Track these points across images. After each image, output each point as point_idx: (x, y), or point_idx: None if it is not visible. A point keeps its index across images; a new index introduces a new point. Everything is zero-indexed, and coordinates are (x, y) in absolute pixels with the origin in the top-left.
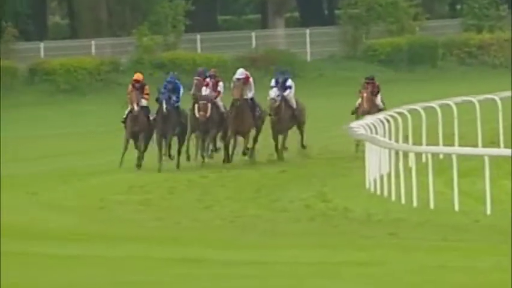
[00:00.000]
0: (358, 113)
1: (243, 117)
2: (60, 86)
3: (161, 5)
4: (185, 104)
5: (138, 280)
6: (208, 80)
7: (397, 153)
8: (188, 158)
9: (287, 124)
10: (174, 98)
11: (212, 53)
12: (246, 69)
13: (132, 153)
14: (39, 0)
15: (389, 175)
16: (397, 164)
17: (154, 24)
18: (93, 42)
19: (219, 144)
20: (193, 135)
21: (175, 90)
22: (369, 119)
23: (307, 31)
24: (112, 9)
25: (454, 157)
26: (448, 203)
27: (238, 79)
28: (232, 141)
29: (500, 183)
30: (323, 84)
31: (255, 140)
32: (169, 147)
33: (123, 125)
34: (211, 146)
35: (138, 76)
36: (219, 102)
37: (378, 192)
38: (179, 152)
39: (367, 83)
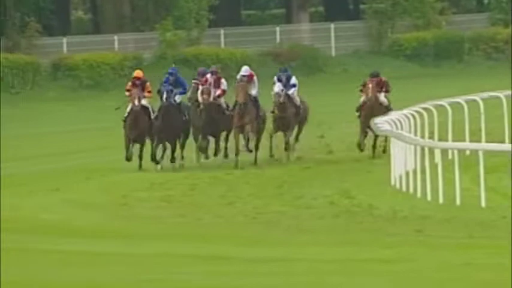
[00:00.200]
0: (362, 111)
1: (245, 115)
2: (83, 82)
3: None
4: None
5: (160, 278)
6: (208, 76)
7: (422, 149)
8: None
9: (291, 122)
10: (177, 91)
11: (236, 48)
12: (269, 65)
13: (149, 149)
14: None
15: (415, 171)
16: (423, 160)
17: (177, 19)
18: (116, 37)
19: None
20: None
21: (177, 83)
22: (394, 115)
23: (332, 26)
24: (135, 4)
25: (480, 153)
26: (474, 200)
27: (243, 76)
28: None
29: None
30: (347, 79)
31: (258, 140)
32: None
33: (123, 124)
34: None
35: (138, 73)
36: (222, 102)
37: (404, 188)
38: (173, 152)
39: (372, 80)
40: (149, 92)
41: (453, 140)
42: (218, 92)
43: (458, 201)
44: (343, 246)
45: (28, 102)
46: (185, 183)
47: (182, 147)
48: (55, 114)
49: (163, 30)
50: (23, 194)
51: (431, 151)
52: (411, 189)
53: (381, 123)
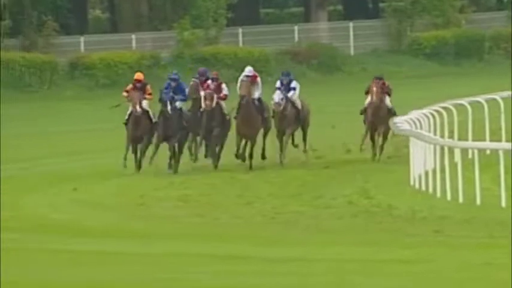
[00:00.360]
0: (367, 113)
1: (250, 120)
2: (100, 81)
3: None
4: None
5: (177, 277)
6: (209, 82)
7: (442, 148)
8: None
9: (292, 125)
10: (178, 97)
11: (254, 47)
12: (288, 64)
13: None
14: None
15: (434, 171)
16: (443, 159)
17: (195, 18)
18: (133, 36)
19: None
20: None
21: (179, 88)
22: (413, 114)
23: (351, 24)
24: (153, 3)
25: (500, 153)
26: (494, 199)
27: (246, 76)
28: (239, 143)
29: None
30: (366, 78)
31: (263, 142)
32: (173, 151)
33: (125, 127)
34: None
35: (138, 76)
36: (224, 106)
37: (423, 188)
38: (177, 154)
39: (376, 82)
40: (149, 94)
41: (473, 140)
42: (220, 96)
43: (478, 201)
44: (362, 246)
45: (45, 101)
46: (203, 183)
47: (180, 152)
48: (72, 113)
49: (181, 29)
50: (38, 194)
51: (451, 150)
52: (431, 189)
53: (401, 122)
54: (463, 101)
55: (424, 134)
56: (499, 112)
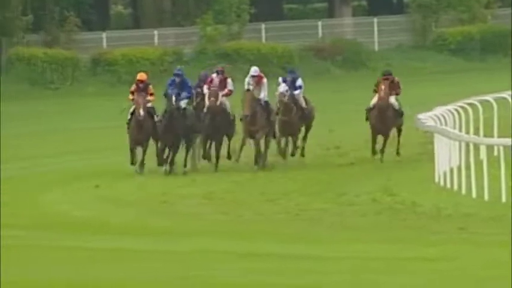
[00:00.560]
0: (373, 111)
1: (256, 121)
2: (122, 77)
3: None
4: None
5: (200, 275)
6: (214, 76)
7: (467, 145)
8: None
9: (297, 126)
10: (183, 94)
11: (277, 42)
12: (311, 60)
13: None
14: None
15: (459, 168)
16: (468, 156)
17: (218, 14)
18: (156, 32)
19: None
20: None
21: (183, 85)
22: (438, 110)
23: (375, 20)
24: None
25: None
26: None
27: (252, 76)
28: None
29: None
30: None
31: (267, 144)
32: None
33: (127, 127)
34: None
35: (141, 76)
36: (227, 104)
37: (448, 185)
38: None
39: (384, 79)
40: (151, 94)
41: (499, 136)
42: (224, 92)
43: (503, 199)
44: (386, 243)
45: (67, 97)
46: (226, 181)
47: (186, 152)
48: (94, 110)
49: (204, 24)
50: (58, 191)
51: (477, 147)
52: (455, 186)
53: (425, 118)
54: (489, 97)
55: (449, 130)
56: None
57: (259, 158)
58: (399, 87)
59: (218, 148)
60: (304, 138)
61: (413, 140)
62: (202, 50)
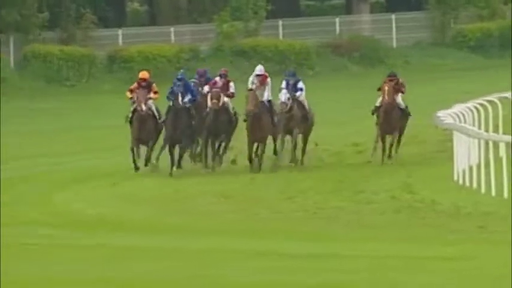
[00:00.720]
0: (378, 113)
1: (261, 126)
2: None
3: None
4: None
5: (216, 273)
6: (217, 79)
7: (487, 143)
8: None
9: (298, 123)
10: (187, 96)
11: (294, 39)
12: (329, 57)
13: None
14: None
15: (478, 166)
16: (487, 154)
17: (235, 10)
18: (172, 29)
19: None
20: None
21: (186, 88)
22: (457, 108)
23: (393, 17)
24: None
25: None
26: None
27: (257, 75)
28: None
29: None
30: (409, 71)
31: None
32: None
33: (129, 125)
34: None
35: (144, 74)
36: (230, 106)
37: (467, 183)
38: (181, 156)
39: (390, 80)
40: (155, 92)
41: None
42: (227, 93)
43: None
44: (404, 242)
45: (83, 95)
46: (243, 178)
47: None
48: (110, 107)
49: (221, 21)
50: (73, 189)
51: (496, 145)
52: (475, 184)
53: (444, 116)
54: (508, 95)
55: (468, 128)
56: None
57: (261, 160)
58: (404, 87)
59: (225, 147)
60: (304, 144)
61: (432, 138)
62: (219, 47)
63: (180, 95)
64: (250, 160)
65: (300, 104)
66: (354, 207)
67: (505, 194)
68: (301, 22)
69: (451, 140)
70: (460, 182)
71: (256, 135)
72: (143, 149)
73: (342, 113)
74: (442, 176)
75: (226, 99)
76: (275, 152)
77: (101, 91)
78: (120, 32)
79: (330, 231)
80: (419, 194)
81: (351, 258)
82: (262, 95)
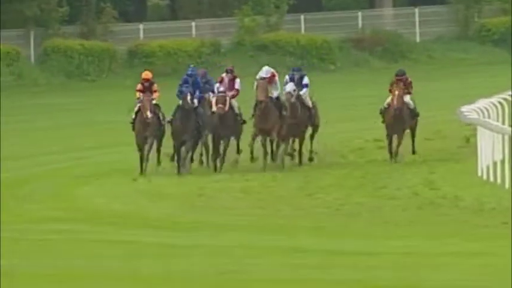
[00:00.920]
0: (388, 113)
1: (268, 118)
2: (160, 70)
3: None
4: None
5: (238, 270)
6: (224, 75)
7: (511, 138)
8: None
9: (303, 127)
10: (196, 93)
11: (316, 33)
12: (351, 51)
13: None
14: None
15: (502, 161)
16: (511, 149)
17: (256, 4)
18: (193, 23)
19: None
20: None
21: (197, 84)
22: (481, 103)
23: (416, 10)
24: None
25: None
26: None
27: (262, 78)
28: (255, 142)
29: None
30: (432, 66)
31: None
32: (193, 150)
33: (131, 126)
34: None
35: (146, 75)
36: (235, 103)
37: (491, 179)
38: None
39: (398, 80)
40: (155, 91)
41: None
42: (232, 93)
43: None
44: (427, 239)
45: (104, 89)
46: (263, 175)
47: (193, 150)
48: (131, 102)
49: (242, 15)
50: (94, 184)
51: None
52: (499, 180)
53: (468, 111)
54: None
55: (492, 123)
56: None
57: (275, 157)
58: (411, 87)
59: (225, 147)
60: (312, 140)
61: (455, 133)
62: (240, 42)
63: (189, 95)
64: (252, 152)
65: (304, 104)
66: (376, 203)
67: None
68: (323, 16)
69: (475, 135)
70: (484, 177)
71: (262, 127)
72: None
73: (364, 108)
74: (465, 171)
75: (232, 101)
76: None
77: (122, 86)
78: (141, 26)
79: (352, 228)
80: (442, 190)
81: (373, 255)
82: (271, 93)
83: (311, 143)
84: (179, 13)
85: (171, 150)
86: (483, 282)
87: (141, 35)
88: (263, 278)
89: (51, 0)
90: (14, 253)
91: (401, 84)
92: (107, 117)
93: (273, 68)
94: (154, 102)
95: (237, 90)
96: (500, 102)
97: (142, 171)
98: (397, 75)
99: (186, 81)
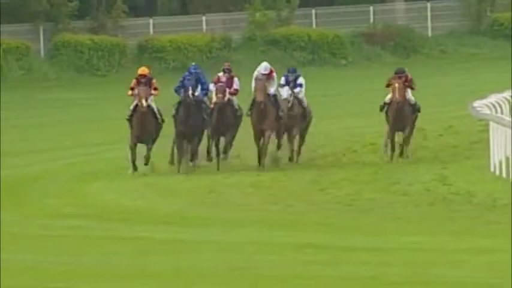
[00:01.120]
0: (388, 110)
1: (266, 119)
2: (170, 64)
3: None
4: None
5: (250, 266)
6: (221, 74)
7: None
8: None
9: (298, 124)
10: (199, 88)
11: (327, 28)
12: (362, 46)
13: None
14: None
15: None
16: None
17: None
18: (203, 18)
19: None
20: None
21: (199, 81)
22: (493, 98)
23: (428, 5)
24: None
25: None
26: None
27: (262, 74)
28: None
29: None
30: (444, 61)
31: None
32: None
33: (128, 123)
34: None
35: (143, 70)
36: (235, 102)
37: (503, 175)
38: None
39: (398, 77)
40: (155, 89)
41: None
42: (231, 91)
43: None
44: (439, 235)
45: (114, 84)
46: (274, 170)
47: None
48: None
49: (253, 10)
50: (103, 180)
51: None
52: (511, 176)
53: (480, 106)
54: None
55: (505, 118)
56: None
57: (263, 156)
58: (413, 83)
59: (228, 144)
60: (301, 140)
61: (468, 129)
62: (251, 37)
63: (190, 88)
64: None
65: (299, 102)
66: (388, 199)
67: None
68: (334, 11)
69: (487, 131)
70: (497, 173)
71: (260, 128)
72: (139, 149)
73: (376, 103)
74: (478, 167)
75: (231, 96)
76: (278, 148)
77: (131, 81)
78: (151, 21)
79: (363, 224)
80: (454, 186)
81: (385, 251)
82: (268, 90)
83: (301, 143)
84: (190, 8)
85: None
86: (495, 279)
87: (151, 29)
88: (274, 274)
89: None
90: (21, 249)
91: (402, 81)
92: (116, 113)
93: (283, 63)
94: (152, 98)
95: (236, 89)
96: None
97: (133, 170)
98: (396, 73)
99: (187, 78)
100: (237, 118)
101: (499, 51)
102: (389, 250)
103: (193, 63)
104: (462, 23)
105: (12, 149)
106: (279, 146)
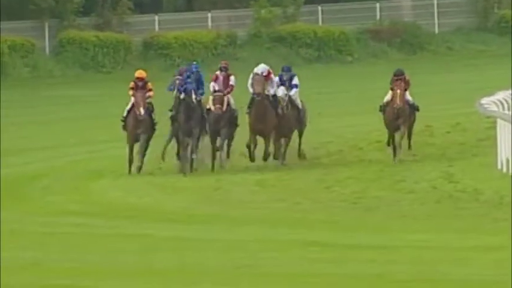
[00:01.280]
0: (387, 111)
1: (265, 116)
2: (175, 61)
3: None
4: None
5: (256, 264)
6: (218, 73)
7: None
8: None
9: (292, 127)
10: (199, 90)
11: (333, 25)
12: (369, 43)
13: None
14: None
15: None
16: None
17: None
18: (209, 14)
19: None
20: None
21: (199, 81)
22: (500, 95)
23: (435, 1)
24: None
25: None
26: None
27: (257, 74)
28: (252, 142)
29: None
30: (451, 57)
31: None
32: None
33: (122, 124)
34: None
35: (140, 73)
36: (231, 99)
37: (510, 172)
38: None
39: (398, 79)
40: (150, 90)
41: None
42: (228, 90)
43: None
44: (446, 233)
45: (119, 81)
46: (279, 168)
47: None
48: None
49: (259, 7)
50: (109, 178)
51: None
52: None
53: (488, 103)
54: None
55: None
56: None
57: (267, 155)
58: (409, 84)
59: (228, 144)
60: (300, 140)
61: (475, 126)
62: (257, 33)
63: (193, 91)
64: (250, 154)
65: (293, 104)
66: (394, 196)
67: None
68: (340, 7)
69: (495, 128)
70: (504, 170)
71: (258, 126)
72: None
73: (382, 100)
74: (485, 164)
75: (228, 96)
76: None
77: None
78: (156, 17)
79: (369, 222)
80: (461, 183)
81: (391, 249)
82: (267, 91)
83: (299, 146)
84: (195, 4)
85: (171, 151)
86: (502, 276)
87: (157, 26)
88: (279, 272)
89: None
90: (24, 247)
91: (401, 83)
92: (122, 110)
93: (289, 60)
94: (148, 100)
95: (232, 86)
96: None
97: (130, 171)
98: (395, 75)
99: (188, 77)
100: (233, 118)
101: (506, 48)
102: (396, 248)
103: (195, 62)
104: (469, 19)
105: (14, 146)
106: (277, 146)
